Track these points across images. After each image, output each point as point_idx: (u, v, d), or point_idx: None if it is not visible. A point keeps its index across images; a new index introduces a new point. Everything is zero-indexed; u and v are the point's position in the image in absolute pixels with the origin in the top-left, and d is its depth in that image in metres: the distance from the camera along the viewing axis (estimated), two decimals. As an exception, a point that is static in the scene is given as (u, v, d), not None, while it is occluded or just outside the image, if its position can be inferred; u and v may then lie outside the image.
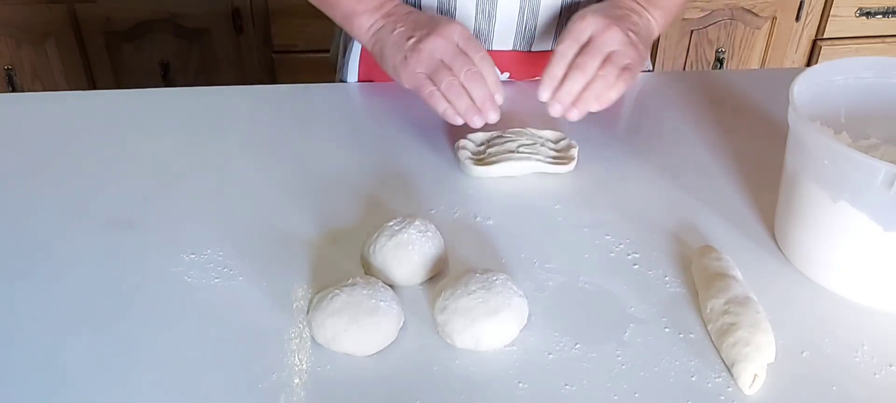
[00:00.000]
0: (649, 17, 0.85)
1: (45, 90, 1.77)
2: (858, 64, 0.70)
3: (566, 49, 0.78)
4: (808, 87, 0.67)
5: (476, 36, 0.92)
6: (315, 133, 0.87)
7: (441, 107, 0.78)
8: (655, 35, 0.86)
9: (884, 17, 1.87)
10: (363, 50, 0.97)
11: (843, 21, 1.87)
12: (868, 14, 1.86)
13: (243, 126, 0.88)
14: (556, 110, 0.77)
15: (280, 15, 1.78)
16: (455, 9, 0.91)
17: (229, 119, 0.90)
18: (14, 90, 1.78)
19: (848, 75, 0.71)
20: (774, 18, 1.85)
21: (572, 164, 0.80)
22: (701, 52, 1.88)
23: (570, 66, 0.77)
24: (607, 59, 0.77)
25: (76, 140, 0.86)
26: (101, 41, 1.78)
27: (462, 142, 0.81)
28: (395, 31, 0.81)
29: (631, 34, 0.80)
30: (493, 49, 0.94)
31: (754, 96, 0.94)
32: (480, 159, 0.80)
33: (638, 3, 0.85)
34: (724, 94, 0.95)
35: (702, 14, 1.81)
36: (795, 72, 0.67)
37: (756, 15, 1.83)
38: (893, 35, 1.90)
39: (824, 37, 1.89)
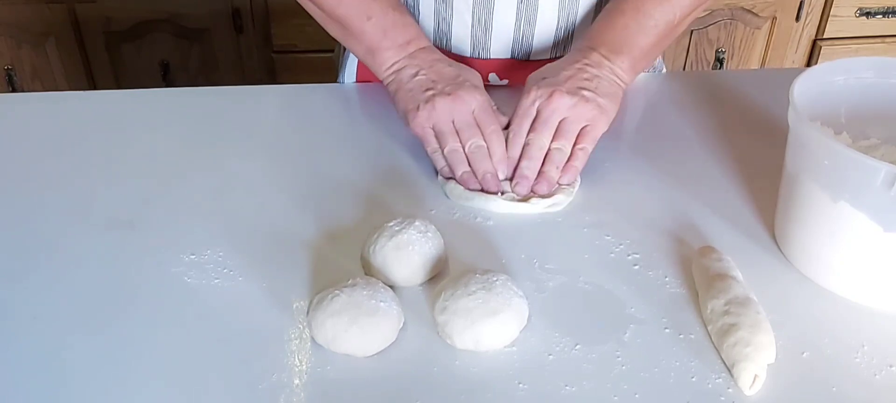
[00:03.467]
0: (611, 65, 0.80)
1: (45, 90, 1.77)
2: (858, 64, 0.70)
3: (517, 128, 0.77)
4: (808, 87, 0.67)
5: (472, 45, 0.92)
6: (315, 133, 0.87)
7: (439, 164, 0.78)
8: (626, 81, 0.82)
9: (884, 17, 1.87)
10: None
11: (843, 21, 1.87)
12: (868, 14, 1.86)
13: (243, 126, 0.88)
14: (523, 187, 0.75)
15: (280, 15, 1.78)
16: (451, 18, 0.90)
17: (229, 119, 0.90)
18: (14, 90, 1.78)
19: (848, 75, 0.71)
20: (774, 18, 1.85)
21: (567, 200, 0.76)
22: (701, 52, 1.88)
23: (523, 147, 0.77)
24: (559, 130, 0.76)
25: (76, 140, 0.86)
26: (101, 41, 1.78)
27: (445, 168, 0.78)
28: (416, 77, 0.80)
29: (584, 92, 0.77)
30: (491, 58, 0.93)
31: (754, 96, 0.94)
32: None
33: (598, 53, 0.80)
34: (724, 94, 0.95)
35: (702, 14, 1.81)
36: (795, 73, 0.67)
37: (756, 15, 1.83)
38: (893, 35, 1.90)
39: (824, 37, 1.89)
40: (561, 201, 0.75)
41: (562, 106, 0.76)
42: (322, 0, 0.83)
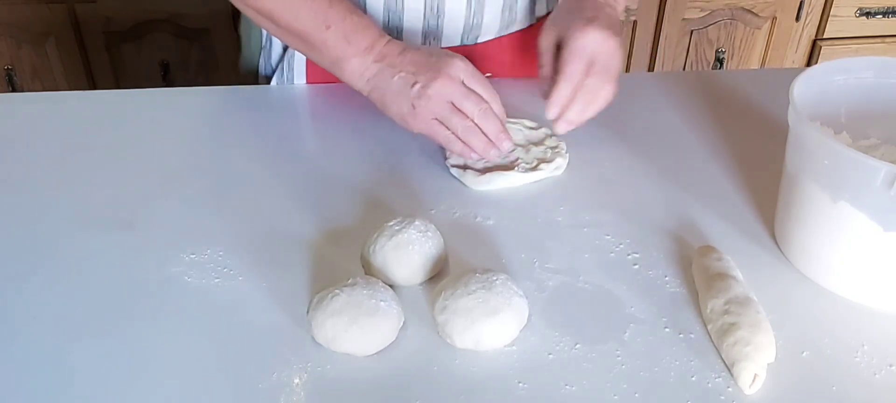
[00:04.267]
0: (617, 8, 0.85)
1: (45, 90, 1.77)
2: (858, 64, 0.70)
3: (574, 71, 0.78)
4: (808, 87, 0.67)
5: (423, 35, 0.92)
6: (315, 133, 0.87)
7: (457, 148, 0.77)
8: (619, 14, 0.87)
9: (884, 17, 1.87)
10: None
11: (843, 21, 1.87)
12: (868, 14, 1.86)
13: (243, 126, 0.88)
14: (562, 127, 0.79)
15: (280, 15, 1.78)
16: (402, 10, 0.89)
17: (229, 119, 0.90)
18: (14, 90, 1.78)
19: (848, 75, 0.71)
20: (774, 18, 1.85)
21: (564, 163, 0.81)
22: (701, 52, 1.88)
23: (578, 88, 0.78)
24: (594, 67, 0.79)
25: (76, 140, 0.86)
26: (101, 41, 1.78)
27: (453, 158, 0.80)
28: (396, 77, 0.77)
29: (618, 38, 0.80)
30: (441, 46, 0.93)
31: (754, 96, 0.94)
32: (475, 168, 0.79)
33: None
34: (724, 94, 0.95)
35: (702, 14, 1.81)
36: (795, 72, 0.67)
37: (756, 15, 1.83)
38: (893, 35, 1.90)
39: (824, 37, 1.89)
40: (560, 165, 0.80)
41: (616, 55, 0.80)
42: (278, 16, 0.80)
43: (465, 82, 0.77)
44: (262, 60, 1.02)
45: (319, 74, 0.95)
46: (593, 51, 0.78)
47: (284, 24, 0.81)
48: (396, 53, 0.79)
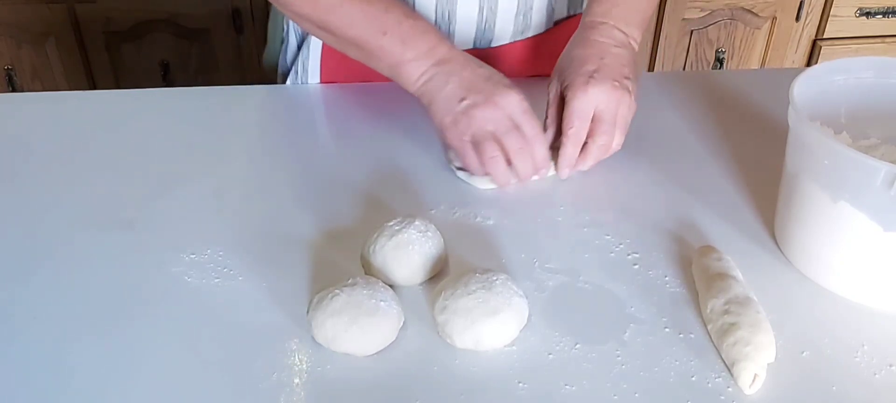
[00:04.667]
0: (631, 41, 0.82)
1: (45, 90, 1.77)
2: (858, 64, 0.70)
3: (577, 132, 0.77)
4: (808, 87, 0.67)
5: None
6: (315, 133, 0.87)
7: (477, 173, 0.77)
8: (636, 49, 0.84)
9: (884, 17, 1.87)
10: (325, 47, 0.94)
11: (843, 21, 1.87)
12: (868, 14, 1.86)
13: (243, 126, 0.88)
14: (565, 174, 0.79)
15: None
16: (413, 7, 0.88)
17: (229, 119, 0.90)
18: (14, 90, 1.78)
19: (848, 75, 0.71)
20: (774, 18, 1.85)
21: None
22: (701, 52, 1.88)
23: (586, 147, 0.78)
24: (606, 123, 0.78)
25: (76, 140, 0.86)
26: (101, 41, 1.78)
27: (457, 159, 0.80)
28: (448, 86, 0.76)
29: (627, 82, 0.78)
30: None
31: (754, 96, 0.94)
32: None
33: (618, 30, 0.81)
34: (724, 94, 0.95)
35: (702, 14, 1.81)
36: (795, 72, 0.67)
37: (756, 15, 1.83)
38: (893, 35, 1.90)
39: (824, 37, 1.89)
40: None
41: (623, 105, 0.77)
42: (334, 26, 0.79)
43: (513, 116, 0.75)
44: (281, 58, 1.03)
45: (332, 75, 0.96)
46: (596, 109, 0.77)
47: (340, 33, 0.80)
48: (457, 62, 0.77)
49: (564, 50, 0.83)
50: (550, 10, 0.96)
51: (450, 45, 0.79)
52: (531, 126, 0.76)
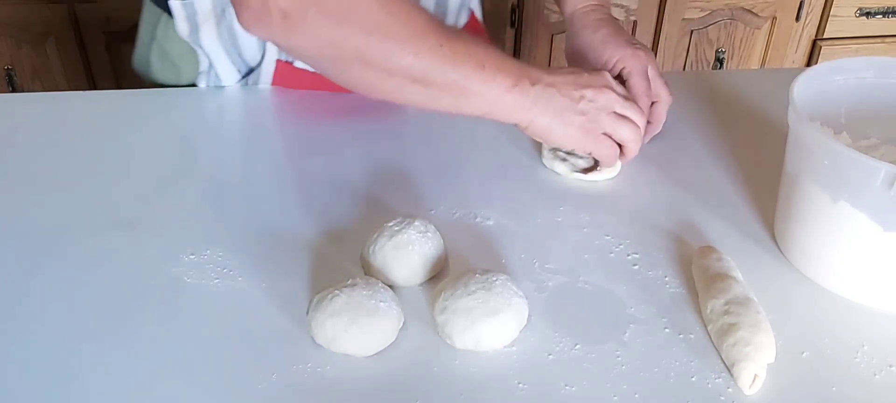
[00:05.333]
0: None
1: (45, 90, 1.77)
2: (858, 64, 0.70)
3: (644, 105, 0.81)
4: (808, 87, 0.67)
5: None
6: (315, 133, 0.87)
7: (613, 162, 0.78)
8: None
9: (884, 17, 1.87)
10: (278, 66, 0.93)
11: (843, 21, 1.87)
12: (868, 14, 1.86)
13: (243, 126, 0.88)
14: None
15: (280, 15, 1.78)
16: None
17: (229, 119, 0.90)
18: (14, 90, 1.78)
19: (848, 75, 0.71)
20: (774, 18, 1.85)
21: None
22: (701, 52, 1.88)
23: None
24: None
25: (76, 140, 0.86)
26: (101, 41, 1.78)
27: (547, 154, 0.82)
28: (560, 98, 0.73)
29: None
30: None
31: (754, 96, 0.94)
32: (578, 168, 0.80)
33: (602, 6, 0.89)
34: (724, 94, 0.95)
35: (702, 14, 1.81)
36: (795, 73, 0.67)
37: (756, 15, 1.83)
38: (893, 35, 1.90)
39: (824, 37, 1.89)
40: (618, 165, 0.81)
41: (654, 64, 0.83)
42: (431, 77, 0.68)
43: (616, 89, 0.76)
44: (201, 78, 0.97)
45: (284, 80, 0.95)
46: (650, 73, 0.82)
47: (440, 82, 0.69)
48: (546, 74, 0.74)
49: (575, 39, 0.88)
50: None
51: (519, 61, 0.75)
52: (628, 93, 0.79)
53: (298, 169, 0.81)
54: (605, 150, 0.75)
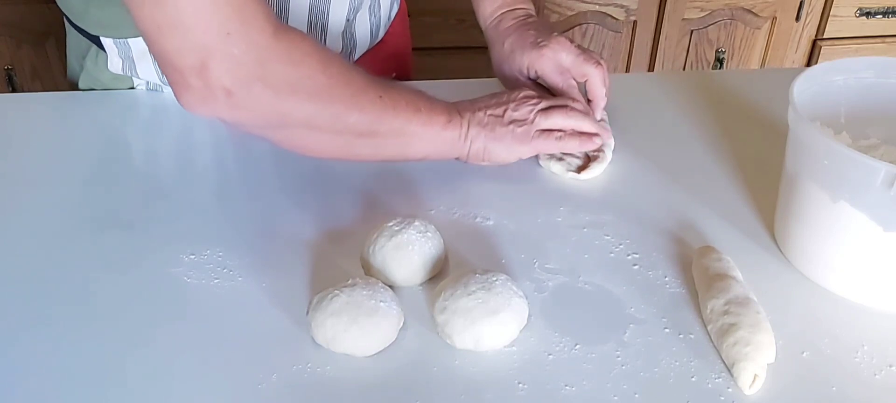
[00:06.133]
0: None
1: (45, 90, 1.77)
2: (858, 64, 0.70)
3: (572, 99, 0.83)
4: (808, 87, 0.67)
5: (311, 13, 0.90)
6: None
7: (573, 144, 0.79)
8: None
9: (884, 17, 1.87)
10: None
11: (843, 21, 1.87)
12: (868, 14, 1.86)
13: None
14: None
15: (280, 15, 1.78)
16: (288, 19, 0.86)
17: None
18: (14, 90, 1.78)
19: (848, 75, 0.71)
20: (774, 18, 1.85)
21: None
22: (701, 52, 1.88)
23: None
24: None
25: (76, 140, 0.86)
26: (101, 41, 1.78)
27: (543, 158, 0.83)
28: (486, 120, 0.77)
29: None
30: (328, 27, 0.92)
31: (754, 96, 0.94)
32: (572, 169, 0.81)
33: (520, 7, 0.90)
34: (724, 94, 0.95)
35: (702, 14, 1.81)
36: (795, 72, 0.67)
37: (756, 15, 1.83)
38: (893, 35, 1.90)
39: (824, 37, 1.89)
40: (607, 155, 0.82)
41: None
42: (376, 128, 0.71)
43: (535, 93, 0.80)
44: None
45: None
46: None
47: (383, 131, 0.71)
48: (470, 104, 0.78)
49: (492, 55, 0.89)
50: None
51: (445, 101, 0.78)
52: (551, 95, 0.82)
53: (298, 169, 0.81)
54: (547, 145, 0.78)
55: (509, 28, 0.88)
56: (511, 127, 0.77)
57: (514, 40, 0.86)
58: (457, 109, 0.77)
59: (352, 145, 0.71)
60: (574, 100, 0.81)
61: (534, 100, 0.79)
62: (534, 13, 0.91)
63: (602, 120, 0.85)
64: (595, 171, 0.80)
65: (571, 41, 0.84)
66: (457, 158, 0.78)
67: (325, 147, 0.71)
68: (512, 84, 0.87)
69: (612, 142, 0.83)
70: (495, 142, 0.77)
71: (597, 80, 0.82)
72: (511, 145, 0.77)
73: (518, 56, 0.85)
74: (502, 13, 0.89)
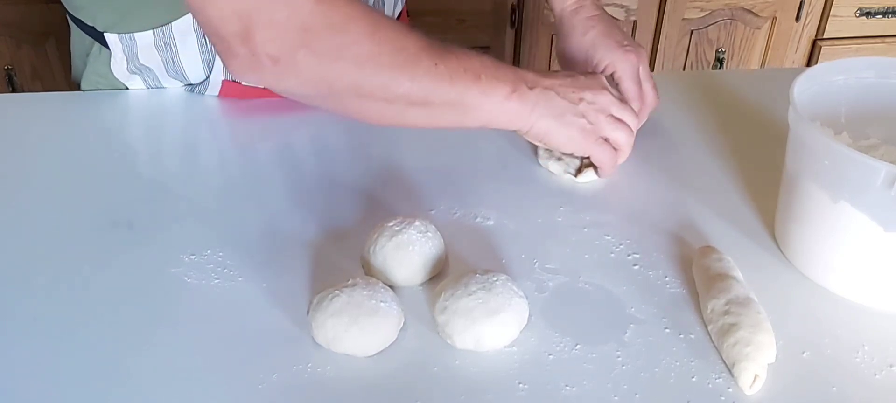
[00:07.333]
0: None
1: (45, 90, 1.77)
2: (858, 64, 0.70)
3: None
4: (809, 87, 0.67)
5: None
6: (315, 133, 0.87)
7: (610, 171, 0.78)
8: None
9: (884, 17, 1.87)
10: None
11: (843, 21, 1.87)
12: (868, 14, 1.86)
13: (243, 126, 0.88)
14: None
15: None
16: None
17: (229, 119, 0.90)
18: (14, 90, 1.78)
19: (848, 75, 0.71)
20: (774, 18, 1.85)
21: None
22: (701, 52, 1.88)
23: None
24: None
25: (76, 140, 0.86)
26: (101, 41, 1.78)
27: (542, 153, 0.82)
28: (559, 100, 0.74)
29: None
30: None
31: (754, 96, 0.94)
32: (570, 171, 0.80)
33: (593, 4, 0.88)
34: (724, 94, 0.95)
35: (702, 14, 1.81)
36: (795, 72, 0.67)
37: (756, 15, 1.83)
38: (893, 35, 1.90)
39: (824, 37, 1.89)
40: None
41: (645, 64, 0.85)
42: (430, 98, 0.68)
43: (612, 92, 0.77)
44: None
45: (232, 90, 0.94)
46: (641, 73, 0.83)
47: (440, 98, 0.69)
48: (543, 78, 0.74)
49: (566, 41, 0.87)
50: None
51: (516, 68, 0.76)
52: (623, 94, 0.80)
53: (298, 169, 0.81)
54: (604, 155, 0.76)
55: (592, 19, 0.86)
56: (582, 120, 0.74)
57: (598, 34, 0.84)
58: (524, 79, 0.72)
59: (404, 113, 0.69)
60: (635, 115, 0.78)
61: (611, 99, 0.76)
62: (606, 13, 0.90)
63: None
64: (592, 176, 0.79)
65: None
66: (516, 130, 0.74)
67: (377, 115, 0.69)
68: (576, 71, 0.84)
69: None
70: (561, 128, 0.73)
71: (647, 110, 0.84)
72: (575, 137, 0.74)
73: (601, 50, 0.83)
74: (583, 3, 0.87)
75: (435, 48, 0.68)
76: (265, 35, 0.59)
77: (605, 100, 0.75)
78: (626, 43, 0.83)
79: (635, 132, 0.78)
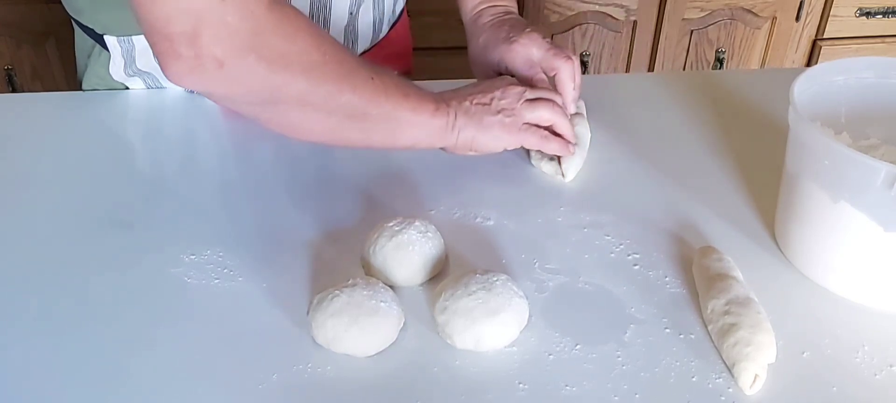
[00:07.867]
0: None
1: (45, 90, 1.77)
2: (858, 64, 0.70)
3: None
4: (809, 87, 0.67)
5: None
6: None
7: (553, 146, 0.78)
8: None
9: (884, 17, 1.87)
10: None
11: (843, 21, 1.87)
12: (868, 14, 1.86)
13: (243, 126, 0.88)
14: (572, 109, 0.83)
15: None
16: None
17: (229, 119, 0.89)
18: (14, 90, 1.78)
19: (848, 75, 0.71)
20: (774, 18, 1.85)
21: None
22: (701, 52, 1.88)
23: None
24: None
25: (76, 140, 0.86)
26: (101, 41, 1.78)
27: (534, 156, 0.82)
28: (473, 109, 0.76)
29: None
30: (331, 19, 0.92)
31: (754, 96, 0.94)
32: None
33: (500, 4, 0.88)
34: (724, 94, 0.95)
35: (702, 14, 1.81)
36: (795, 73, 0.67)
37: (756, 15, 1.83)
38: (893, 35, 1.90)
39: (824, 37, 1.89)
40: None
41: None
42: (367, 111, 0.69)
43: (518, 84, 0.79)
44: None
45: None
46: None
47: (373, 115, 0.70)
48: (456, 93, 0.77)
49: (470, 50, 0.88)
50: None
51: (432, 91, 0.78)
52: (536, 86, 0.80)
53: (298, 169, 0.81)
54: (535, 139, 0.77)
55: (486, 23, 0.87)
56: (499, 116, 0.76)
57: (488, 35, 0.86)
58: (443, 98, 0.75)
59: (342, 127, 0.69)
60: (552, 93, 0.80)
61: (520, 89, 0.78)
62: (514, 10, 0.90)
63: (578, 113, 0.85)
64: (577, 165, 0.80)
65: (544, 36, 0.83)
66: (443, 148, 0.76)
67: (315, 128, 0.69)
68: (486, 79, 0.85)
69: (588, 133, 0.83)
70: (483, 132, 0.75)
71: (566, 75, 0.81)
72: (499, 135, 0.76)
73: (491, 50, 0.84)
74: (482, 8, 0.88)
75: (368, 64, 0.70)
76: (214, 37, 0.57)
77: (515, 90, 0.77)
78: (512, 35, 0.83)
79: (568, 100, 0.80)
